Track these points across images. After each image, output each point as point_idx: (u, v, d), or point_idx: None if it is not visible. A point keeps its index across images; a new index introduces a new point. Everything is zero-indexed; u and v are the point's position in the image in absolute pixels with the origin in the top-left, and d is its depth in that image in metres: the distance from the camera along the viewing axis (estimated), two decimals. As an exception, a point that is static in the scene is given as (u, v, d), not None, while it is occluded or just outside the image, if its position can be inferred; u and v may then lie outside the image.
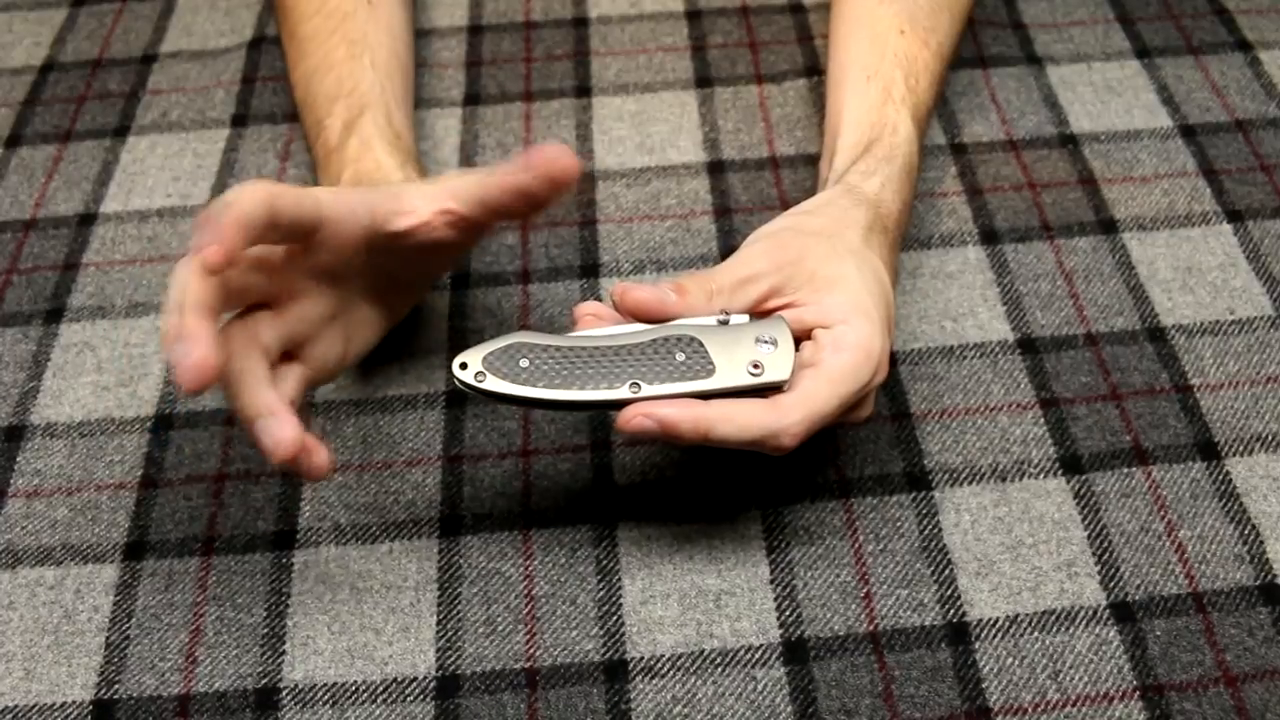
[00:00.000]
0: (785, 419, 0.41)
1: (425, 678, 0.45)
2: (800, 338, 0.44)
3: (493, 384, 0.42)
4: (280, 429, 0.40)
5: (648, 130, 0.65)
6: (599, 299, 0.57)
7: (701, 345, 0.42)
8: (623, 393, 0.42)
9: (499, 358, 0.42)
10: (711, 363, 0.42)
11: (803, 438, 0.42)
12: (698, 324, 0.43)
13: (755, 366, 0.42)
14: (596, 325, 0.44)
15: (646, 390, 0.42)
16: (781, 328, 0.43)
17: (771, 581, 0.47)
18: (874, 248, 0.48)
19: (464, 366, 0.42)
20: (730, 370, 0.42)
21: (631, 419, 0.41)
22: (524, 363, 0.42)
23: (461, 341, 0.55)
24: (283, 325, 0.44)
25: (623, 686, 0.45)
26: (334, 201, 0.43)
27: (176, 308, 0.38)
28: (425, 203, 0.45)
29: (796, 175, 0.62)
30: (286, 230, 0.42)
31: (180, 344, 0.38)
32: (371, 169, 0.52)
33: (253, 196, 0.40)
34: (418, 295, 0.53)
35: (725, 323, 0.43)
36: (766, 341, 0.43)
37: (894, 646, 0.45)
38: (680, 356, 0.42)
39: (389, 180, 0.51)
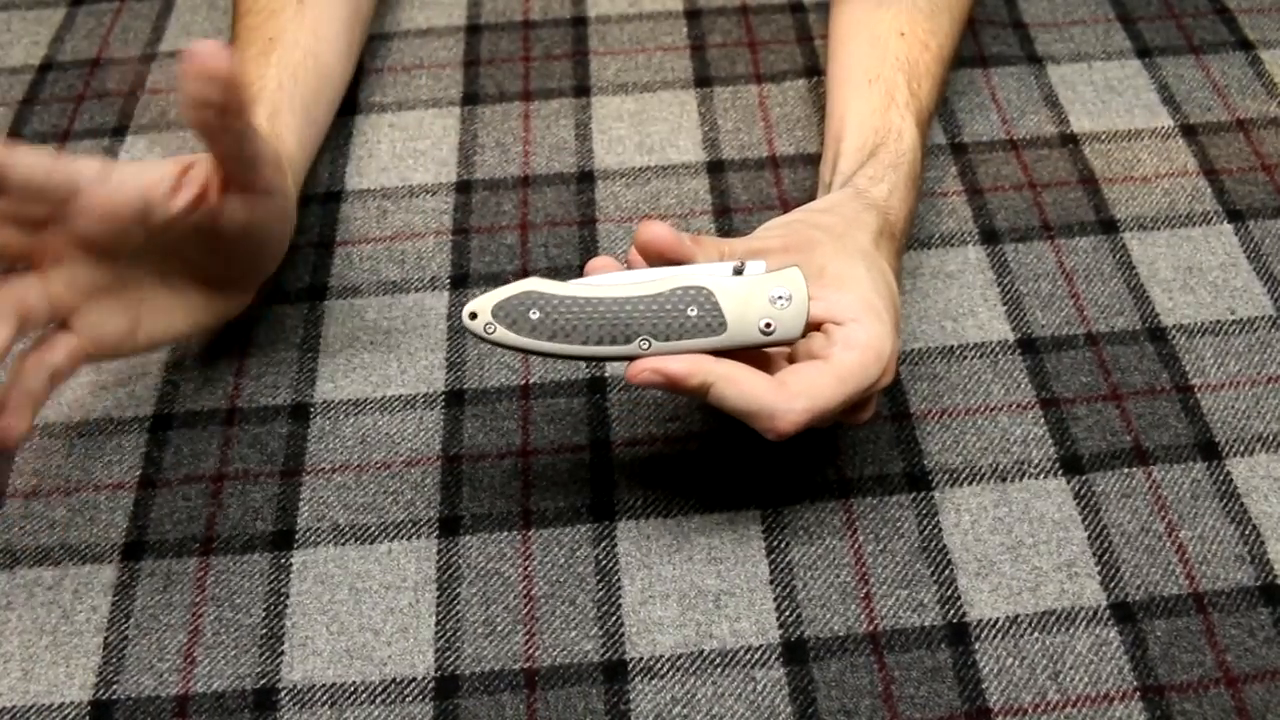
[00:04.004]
0: (786, 403, 0.41)
1: (424, 678, 0.45)
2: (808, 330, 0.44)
3: (502, 335, 0.42)
4: None
5: (647, 130, 0.65)
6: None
7: (714, 300, 0.42)
8: (632, 349, 0.42)
9: (508, 307, 0.42)
10: (724, 319, 0.42)
11: (799, 426, 0.42)
12: (712, 273, 0.43)
13: (768, 325, 0.42)
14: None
15: (657, 347, 0.42)
16: (797, 281, 0.42)
17: (771, 582, 0.47)
18: (882, 252, 0.48)
19: (474, 316, 0.42)
20: (742, 328, 0.42)
21: (640, 373, 0.42)
22: (534, 314, 0.42)
23: (460, 341, 0.55)
24: (43, 286, 0.44)
25: (622, 687, 0.44)
26: (98, 172, 0.43)
27: None
28: (171, 165, 0.45)
29: (796, 175, 0.62)
30: (21, 191, 0.42)
31: None
32: None
33: None
34: (239, 294, 0.52)
35: (739, 271, 0.43)
36: (782, 297, 0.42)
37: (894, 647, 0.45)
38: (693, 311, 0.42)
39: None
